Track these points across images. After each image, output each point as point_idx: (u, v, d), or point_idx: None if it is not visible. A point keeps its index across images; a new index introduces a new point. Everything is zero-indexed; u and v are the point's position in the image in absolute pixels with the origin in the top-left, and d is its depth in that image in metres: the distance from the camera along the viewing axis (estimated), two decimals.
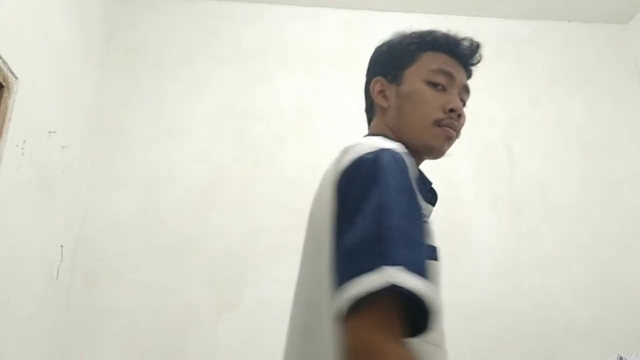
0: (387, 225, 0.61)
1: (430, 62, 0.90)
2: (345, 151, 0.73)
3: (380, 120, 0.91)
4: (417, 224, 0.65)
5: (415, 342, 0.62)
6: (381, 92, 0.92)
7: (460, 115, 0.90)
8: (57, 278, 1.92)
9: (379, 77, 0.94)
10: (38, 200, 1.77)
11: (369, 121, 0.96)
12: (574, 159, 2.38)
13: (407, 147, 0.80)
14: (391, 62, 0.94)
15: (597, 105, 2.49)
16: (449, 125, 0.88)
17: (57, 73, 1.91)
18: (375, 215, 0.62)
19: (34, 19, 1.74)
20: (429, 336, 0.62)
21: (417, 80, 0.90)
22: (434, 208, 0.88)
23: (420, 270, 0.59)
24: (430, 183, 0.90)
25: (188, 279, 2.01)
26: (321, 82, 2.40)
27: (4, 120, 1.55)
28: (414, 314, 0.59)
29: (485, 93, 2.47)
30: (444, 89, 0.89)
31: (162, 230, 2.07)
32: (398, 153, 0.71)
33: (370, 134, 0.91)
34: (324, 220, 0.69)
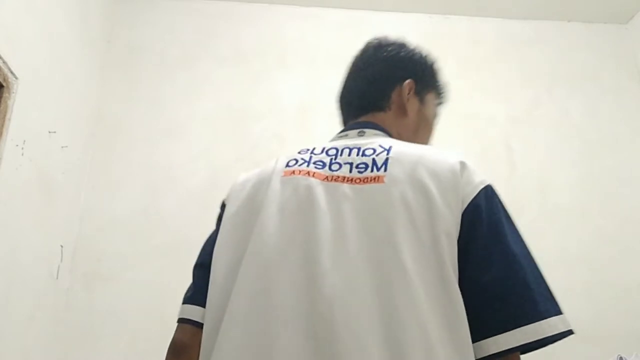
0: (542, 274, 0.71)
1: (436, 99, 0.98)
2: (467, 170, 0.75)
3: (396, 123, 0.91)
4: None
5: None
6: (409, 96, 0.92)
7: None
8: (56, 278, 1.92)
9: (413, 81, 0.93)
10: (38, 200, 1.77)
11: (370, 106, 0.91)
12: (574, 159, 2.38)
13: None
14: (424, 75, 0.95)
15: (597, 105, 2.49)
16: None
17: (57, 73, 1.91)
18: (532, 258, 0.71)
19: (34, 18, 1.74)
20: None
21: (432, 110, 0.96)
22: None
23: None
24: None
25: (188, 279, 2.00)
26: (321, 82, 2.40)
27: (4, 120, 1.55)
28: None
29: (485, 93, 2.47)
30: None
31: (162, 230, 2.07)
32: None
33: (391, 133, 0.89)
34: (444, 228, 0.70)
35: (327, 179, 0.77)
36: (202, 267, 0.83)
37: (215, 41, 2.45)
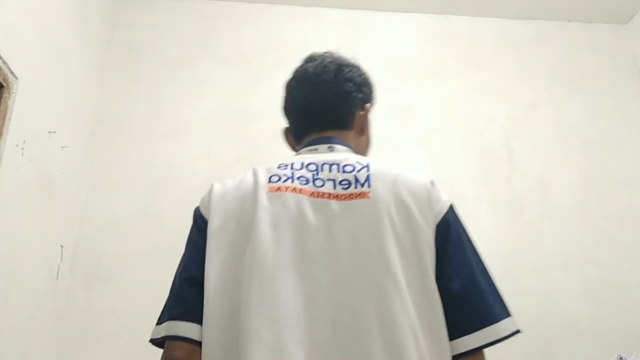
0: (494, 282, 0.82)
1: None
2: (436, 189, 0.85)
3: (355, 141, 0.98)
4: None
5: None
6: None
7: None
8: (56, 278, 1.92)
9: (369, 104, 1.01)
10: (38, 200, 1.77)
11: (337, 122, 0.97)
12: (574, 159, 2.38)
13: None
14: (373, 98, 1.04)
15: (597, 105, 2.49)
16: None
17: (57, 73, 1.91)
18: (486, 268, 0.82)
19: (34, 18, 1.74)
20: None
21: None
22: None
23: None
24: None
25: None
26: None
27: (4, 120, 1.55)
28: None
29: (485, 93, 2.47)
30: None
31: (162, 230, 2.07)
32: None
33: (354, 150, 0.96)
34: (424, 240, 0.79)
35: (314, 195, 0.81)
36: (194, 283, 0.81)
37: (215, 41, 2.45)
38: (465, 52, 2.55)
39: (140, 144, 2.24)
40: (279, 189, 0.82)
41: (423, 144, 2.33)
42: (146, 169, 2.20)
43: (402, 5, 2.57)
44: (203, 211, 0.87)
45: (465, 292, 0.77)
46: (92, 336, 1.94)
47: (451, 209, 0.84)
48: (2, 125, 1.54)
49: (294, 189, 0.82)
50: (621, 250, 2.22)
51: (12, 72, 1.59)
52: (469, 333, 0.75)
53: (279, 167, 0.87)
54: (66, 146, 1.97)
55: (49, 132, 1.84)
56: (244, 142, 2.26)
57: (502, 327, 0.76)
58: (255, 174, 0.86)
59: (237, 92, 2.35)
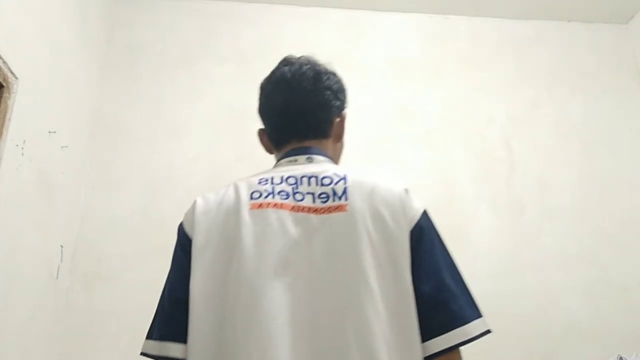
0: (466, 284, 0.85)
1: None
2: (410, 196, 0.88)
3: (333, 148, 1.01)
4: None
5: None
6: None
7: None
8: (56, 278, 1.92)
9: (344, 111, 1.04)
10: (38, 200, 1.77)
11: (318, 132, 0.98)
12: (574, 159, 2.38)
13: None
14: (347, 103, 1.05)
15: (597, 105, 2.49)
16: None
17: (57, 73, 1.91)
18: (458, 271, 0.85)
19: (34, 18, 1.74)
20: None
21: None
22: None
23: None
24: None
25: None
26: None
27: (4, 120, 1.55)
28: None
29: (485, 93, 2.47)
30: None
31: (162, 230, 2.07)
32: None
33: (332, 159, 0.98)
34: (399, 247, 0.82)
35: (294, 209, 0.84)
36: (180, 305, 0.82)
37: (215, 41, 2.45)
38: (465, 52, 2.55)
39: (140, 144, 2.24)
40: (260, 205, 0.85)
41: (423, 144, 2.33)
42: (146, 169, 2.20)
43: (402, 5, 2.57)
44: (187, 229, 0.89)
45: (436, 294, 0.80)
46: (92, 336, 1.94)
47: (424, 215, 0.86)
48: (2, 125, 1.54)
49: (275, 205, 0.85)
50: (621, 250, 2.22)
51: (12, 72, 1.59)
52: (440, 334, 0.79)
53: (259, 183, 0.89)
54: (66, 146, 1.97)
55: (49, 132, 1.84)
56: (244, 142, 2.26)
57: (472, 328, 0.79)
58: (237, 190, 0.88)
59: (237, 92, 2.35)
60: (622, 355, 1.84)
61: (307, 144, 0.97)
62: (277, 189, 0.87)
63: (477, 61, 2.53)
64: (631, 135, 2.44)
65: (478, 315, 0.81)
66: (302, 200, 0.85)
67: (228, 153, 2.24)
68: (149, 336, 0.87)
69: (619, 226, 2.26)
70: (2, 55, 1.53)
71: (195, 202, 0.91)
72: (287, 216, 0.83)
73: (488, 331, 0.81)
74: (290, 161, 0.95)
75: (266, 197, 0.86)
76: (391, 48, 2.51)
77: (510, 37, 2.60)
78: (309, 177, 0.88)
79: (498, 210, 2.26)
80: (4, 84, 1.55)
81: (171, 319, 0.84)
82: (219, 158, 2.23)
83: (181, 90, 2.35)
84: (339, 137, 1.03)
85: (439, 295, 0.80)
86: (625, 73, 2.56)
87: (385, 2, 2.56)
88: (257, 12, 2.52)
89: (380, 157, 2.28)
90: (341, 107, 1.02)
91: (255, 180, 0.90)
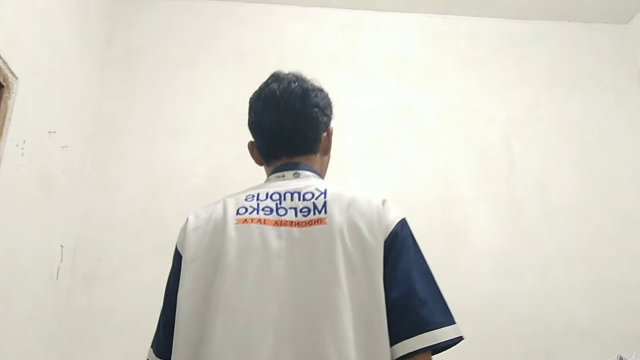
0: (439, 291, 0.87)
1: None
2: (387, 207, 0.91)
3: (320, 162, 1.06)
4: None
5: None
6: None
7: None
8: (56, 278, 1.92)
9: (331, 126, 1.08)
10: (38, 200, 1.77)
11: (306, 148, 1.02)
12: (574, 159, 2.38)
13: None
14: (332, 117, 1.09)
15: (597, 105, 2.49)
16: None
17: (57, 73, 1.91)
18: (432, 278, 0.87)
19: (34, 18, 1.74)
20: None
21: None
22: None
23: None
24: None
25: None
26: (321, 82, 2.39)
27: (4, 120, 1.55)
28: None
29: (485, 93, 2.47)
30: None
31: (162, 230, 2.07)
32: None
33: (319, 173, 1.03)
34: (374, 257, 0.85)
35: (277, 224, 0.89)
36: (169, 326, 0.88)
37: (215, 41, 2.45)
38: (465, 52, 2.55)
39: (140, 144, 2.24)
40: (245, 220, 0.89)
41: (423, 144, 2.33)
42: (146, 169, 2.20)
43: (402, 5, 2.57)
44: (179, 246, 0.94)
45: (405, 299, 0.83)
46: (92, 336, 1.95)
47: (400, 224, 0.89)
48: (2, 125, 1.54)
49: (259, 220, 0.89)
50: (621, 250, 2.22)
51: (12, 72, 1.59)
52: (407, 337, 0.81)
53: (246, 199, 0.94)
54: (66, 146, 1.97)
55: (49, 132, 1.84)
56: (244, 142, 2.24)
57: (441, 333, 0.81)
58: (224, 207, 0.93)
59: (237, 92, 2.35)
60: (622, 355, 1.84)
61: (295, 159, 1.01)
62: (262, 205, 0.92)
63: (477, 61, 2.53)
64: (631, 135, 2.44)
65: (449, 322, 0.83)
66: (284, 215, 0.90)
67: (228, 153, 2.24)
68: (152, 345, 0.96)
69: (619, 226, 2.26)
70: (2, 55, 1.53)
71: (187, 219, 0.96)
72: (269, 230, 0.88)
73: (460, 338, 0.82)
74: (279, 177, 0.99)
75: (251, 212, 0.91)
76: (391, 48, 2.51)
77: (510, 37, 2.60)
78: (292, 193, 0.93)
79: (498, 210, 2.26)
80: (4, 84, 1.55)
81: (164, 337, 0.91)
82: (219, 158, 2.23)
83: (181, 90, 2.35)
84: (326, 151, 1.08)
85: (407, 301, 0.83)
86: (625, 73, 2.56)
87: (385, 2, 2.56)
88: (257, 12, 2.52)
89: (381, 157, 2.28)
90: (328, 123, 1.07)
91: (243, 196, 0.95)
